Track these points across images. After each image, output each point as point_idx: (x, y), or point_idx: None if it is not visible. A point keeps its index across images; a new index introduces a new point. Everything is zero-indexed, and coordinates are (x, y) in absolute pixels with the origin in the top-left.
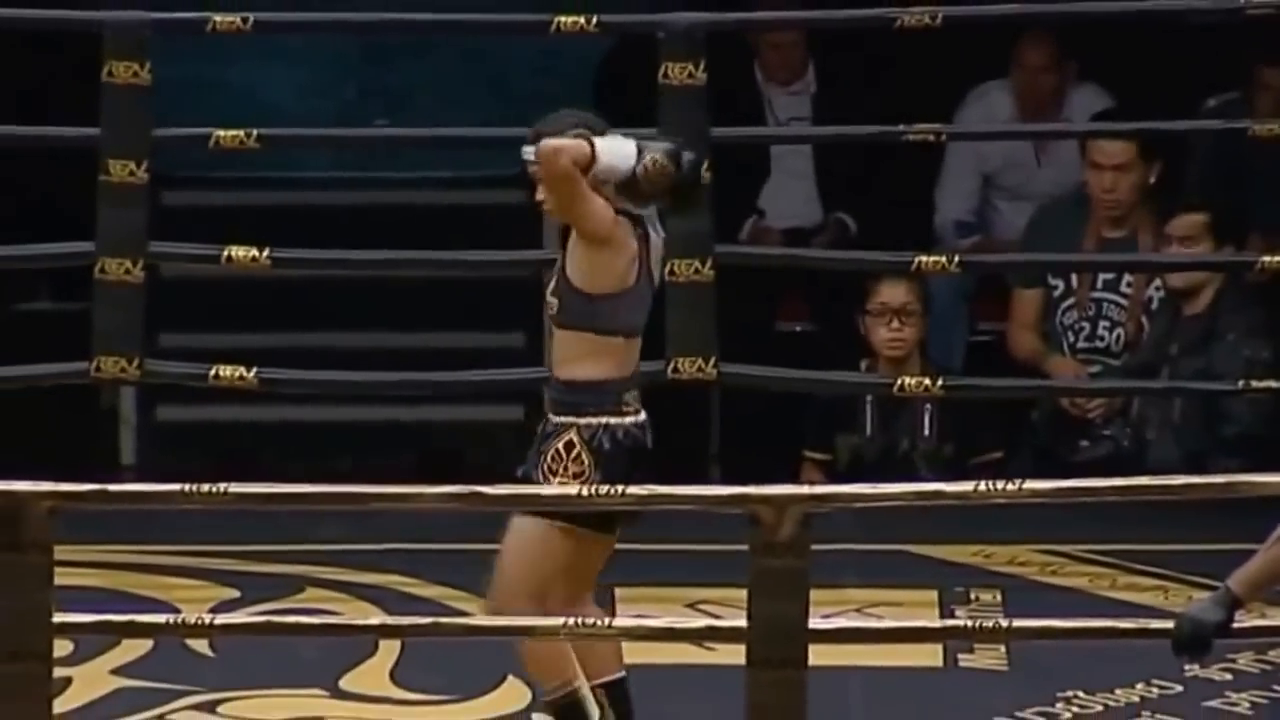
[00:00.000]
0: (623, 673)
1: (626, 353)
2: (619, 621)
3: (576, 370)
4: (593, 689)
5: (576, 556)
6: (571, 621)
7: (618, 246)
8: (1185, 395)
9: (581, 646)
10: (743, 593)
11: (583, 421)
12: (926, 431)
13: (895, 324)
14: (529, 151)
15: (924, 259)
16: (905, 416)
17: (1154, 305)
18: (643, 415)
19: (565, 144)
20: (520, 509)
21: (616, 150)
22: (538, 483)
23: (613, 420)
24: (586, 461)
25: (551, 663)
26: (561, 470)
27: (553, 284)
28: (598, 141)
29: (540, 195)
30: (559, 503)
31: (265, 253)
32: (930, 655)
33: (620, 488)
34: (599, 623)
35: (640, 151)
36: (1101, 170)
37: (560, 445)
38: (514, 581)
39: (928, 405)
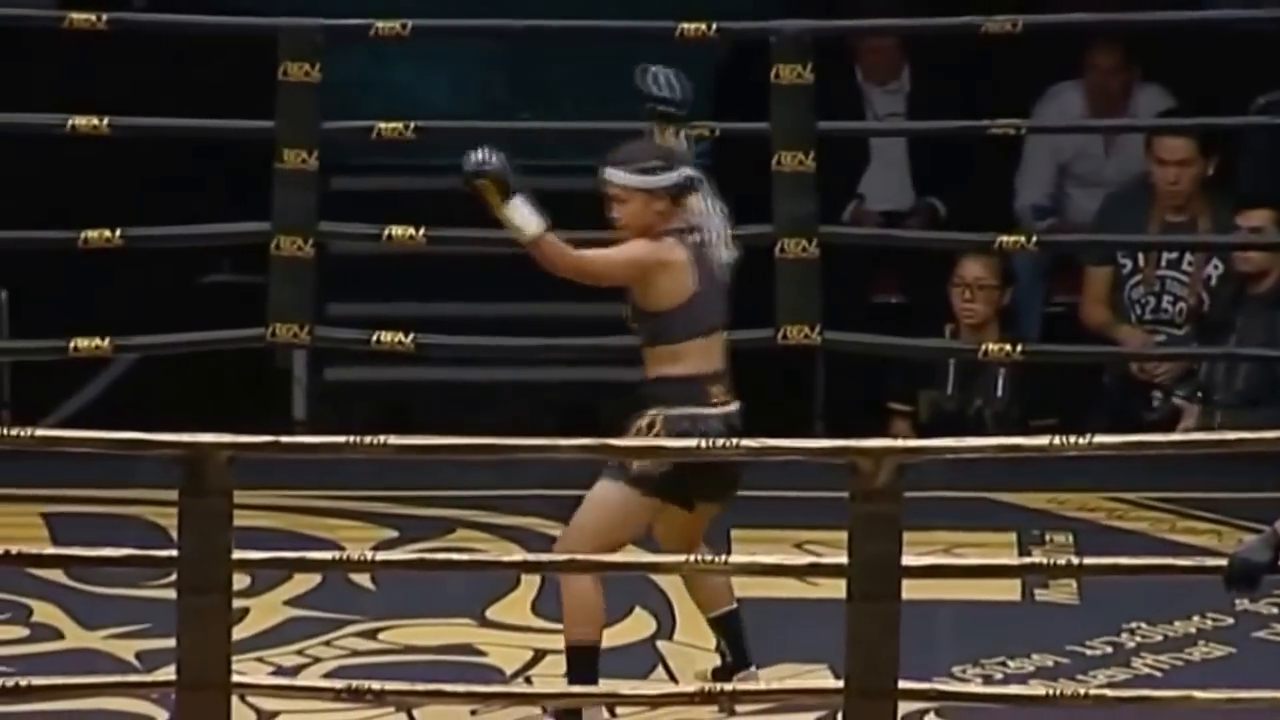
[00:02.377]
0: (734, 605)
1: (708, 350)
2: (734, 558)
3: (662, 370)
4: (708, 620)
5: (662, 526)
6: (691, 558)
7: (661, 269)
8: (1239, 360)
9: (695, 582)
10: (843, 534)
11: (669, 411)
12: (999, 392)
13: (968, 295)
14: (613, 174)
15: (1005, 239)
16: (982, 378)
17: (1212, 282)
18: (733, 406)
19: (547, 256)
20: (613, 475)
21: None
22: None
23: (698, 410)
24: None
25: (588, 614)
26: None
27: (629, 310)
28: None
29: (614, 212)
30: (680, 454)
31: (421, 231)
32: (1009, 590)
33: (734, 440)
34: (715, 558)
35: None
36: (1166, 165)
37: (643, 423)
38: (585, 536)
39: (1001, 369)
